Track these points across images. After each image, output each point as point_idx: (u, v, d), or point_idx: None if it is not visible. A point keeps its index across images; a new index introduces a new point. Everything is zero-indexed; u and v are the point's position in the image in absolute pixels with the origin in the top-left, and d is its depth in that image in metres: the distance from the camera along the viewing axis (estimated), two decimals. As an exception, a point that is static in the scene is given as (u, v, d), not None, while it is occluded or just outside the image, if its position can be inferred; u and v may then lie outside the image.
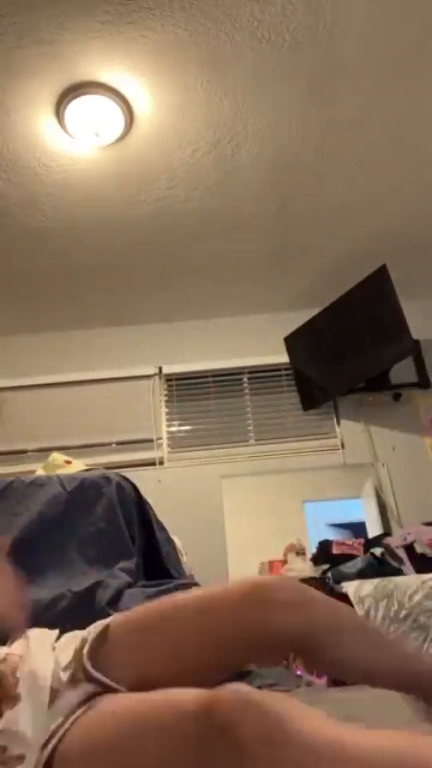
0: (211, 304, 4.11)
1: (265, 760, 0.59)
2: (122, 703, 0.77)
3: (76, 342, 4.18)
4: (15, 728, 0.74)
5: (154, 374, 4.06)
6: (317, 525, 3.67)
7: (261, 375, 4.09)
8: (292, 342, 3.99)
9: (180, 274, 3.76)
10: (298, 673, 2.52)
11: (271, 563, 3.22)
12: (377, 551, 2.95)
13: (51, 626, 1.34)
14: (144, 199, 3.12)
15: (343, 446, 3.85)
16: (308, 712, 0.66)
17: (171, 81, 2.48)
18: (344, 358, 3.71)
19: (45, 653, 0.89)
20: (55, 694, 0.80)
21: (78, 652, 0.86)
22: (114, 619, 0.94)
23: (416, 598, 2.50)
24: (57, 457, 2.39)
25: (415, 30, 2.37)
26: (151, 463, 3.80)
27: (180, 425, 3.98)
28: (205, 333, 4.20)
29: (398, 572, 2.79)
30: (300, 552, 3.06)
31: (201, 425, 3.98)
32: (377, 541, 3.14)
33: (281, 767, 0.59)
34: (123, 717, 0.73)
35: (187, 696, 0.69)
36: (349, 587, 2.60)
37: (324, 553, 3.14)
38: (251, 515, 3.90)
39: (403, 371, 3.80)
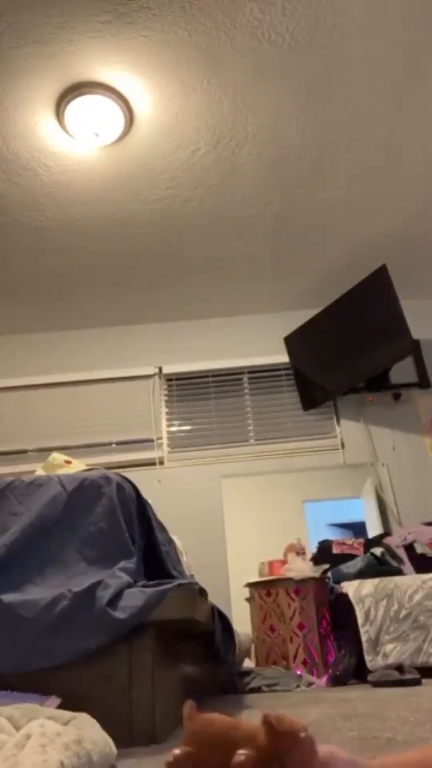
0: (211, 304, 4.11)
1: None
2: None
3: (76, 342, 4.18)
4: None
5: (154, 374, 4.07)
6: (317, 525, 3.67)
7: (261, 375, 4.09)
8: (292, 342, 3.99)
9: (180, 274, 3.76)
10: (299, 672, 2.52)
11: (271, 563, 3.22)
12: (377, 551, 2.95)
13: (51, 626, 1.34)
14: (144, 199, 3.12)
15: (343, 446, 3.85)
16: None
17: (171, 81, 2.48)
18: (344, 358, 3.71)
19: None
20: None
21: None
22: None
23: (416, 597, 2.50)
24: (57, 457, 2.39)
25: (415, 30, 2.37)
26: (151, 463, 3.80)
27: (180, 425, 3.98)
28: (205, 333, 4.20)
29: (398, 572, 2.79)
30: (300, 552, 3.06)
31: (201, 425, 3.98)
32: (377, 541, 3.14)
33: None
34: None
35: None
36: (349, 587, 2.60)
37: (324, 553, 3.14)
38: (251, 515, 3.90)
39: (403, 371, 3.81)
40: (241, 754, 0.47)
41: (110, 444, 3.87)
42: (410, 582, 2.56)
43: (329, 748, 0.52)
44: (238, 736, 0.49)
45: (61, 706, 1.20)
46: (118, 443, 3.87)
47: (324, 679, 2.46)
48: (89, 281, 3.74)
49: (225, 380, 4.08)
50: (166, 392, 4.05)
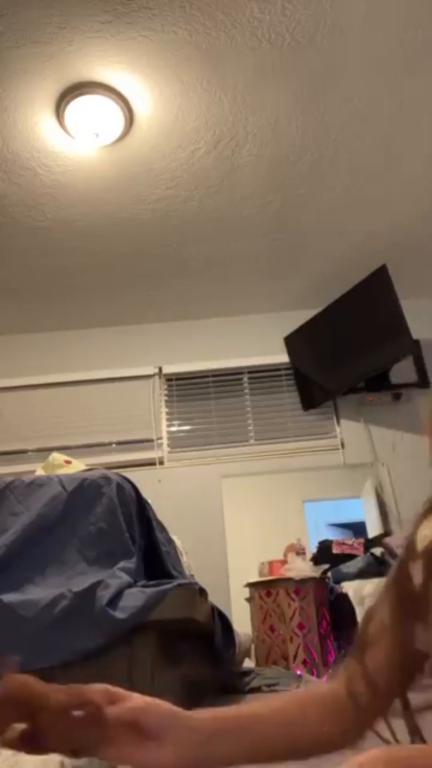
0: (211, 304, 4.11)
1: None
2: None
3: (76, 342, 4.18)
4: None
5: (154, 374, 4.06)
6: (317, 525, 3.67)
7: (261, 375, 4.09)
8: (292, 342, 3.99)
9: (180, 274, 3.76)
10: (299, 672, 2.52)
11: (271, 563, 3.22)
12: (377, 551, 2.95)
13: (51, 626, 1.34)
14: (144, 199, 3.11)
15: (343, 446, 3.85)
16: None
17: (171, 81, 2.48)
18: (344, 358, 3.71)
19: None
20: None
21: None
22: None
23: (416, 598, 2.49)
24: (57, 457, 2.39)
25: (416, 30, 2.37)
26: (151, 463, 3.80)
27: (180, 425, 3.98)
28: (205, 333, 4.20)
29: (398, 572, 2.79)
30: (300, 552, 3.06)
31: (201, 425, 3.97)
32: (377, 541, 3.14)
33: None
34: None
35: None
36: (349, 587, 2.60)
37: (324, 553, 3.14)
38: (251, 515, 3.90)
39: (403, 371, 3.80)
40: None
41: (110, 444, 3.86)
42: (410, 582, 2.55)
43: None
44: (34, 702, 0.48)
45: (61, 706, 1.19)
46: (118, 443, 3.87)
47: (324, 679, 2.46)
48: (89, 281, 3.74)
49: (225, 380, 4.07)
50: (166, 392, 4.05)
